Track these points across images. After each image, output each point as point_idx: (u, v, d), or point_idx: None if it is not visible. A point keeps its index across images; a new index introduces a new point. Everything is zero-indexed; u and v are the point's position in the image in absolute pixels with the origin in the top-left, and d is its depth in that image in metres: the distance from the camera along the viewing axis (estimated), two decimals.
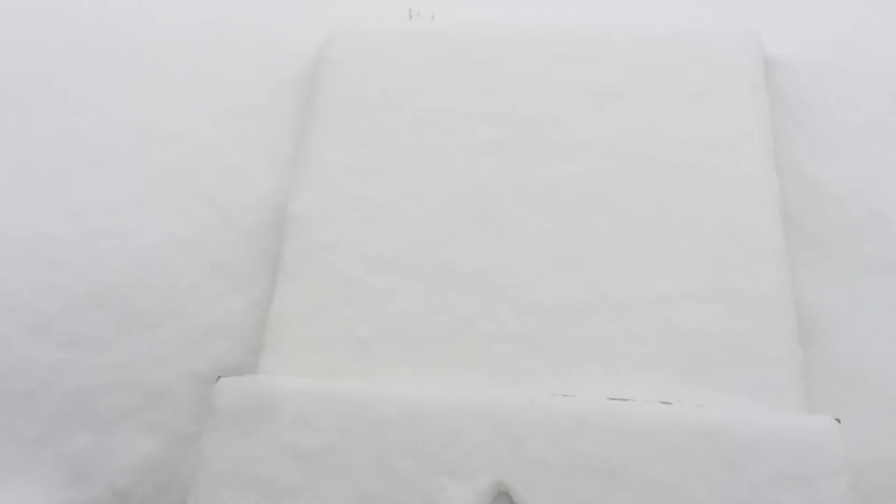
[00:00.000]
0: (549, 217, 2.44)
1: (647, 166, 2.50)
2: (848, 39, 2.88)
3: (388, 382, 2.15)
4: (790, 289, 2.31)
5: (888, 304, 2.36)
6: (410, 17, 2.96)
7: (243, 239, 2.56)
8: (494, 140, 2.58)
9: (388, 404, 2.01)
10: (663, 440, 1.94)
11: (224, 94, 2.85)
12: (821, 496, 1.87)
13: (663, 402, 2.03)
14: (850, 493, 1.88)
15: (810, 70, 2.77)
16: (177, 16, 3.04)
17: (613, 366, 2.19)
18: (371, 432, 1.97)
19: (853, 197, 2.53)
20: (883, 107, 2.70)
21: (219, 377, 2.13)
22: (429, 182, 2.52)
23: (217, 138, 2.75)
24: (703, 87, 2.63)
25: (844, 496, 1.87)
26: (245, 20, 3.02)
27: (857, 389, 2.24)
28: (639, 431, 1.95)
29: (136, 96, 2.85)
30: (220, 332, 2.42)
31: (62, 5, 3.11)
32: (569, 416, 1.97)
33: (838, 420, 1.99)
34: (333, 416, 2.00)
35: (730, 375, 2.15)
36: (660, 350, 2.19)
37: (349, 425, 1.99)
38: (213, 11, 3.06)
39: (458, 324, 2.29)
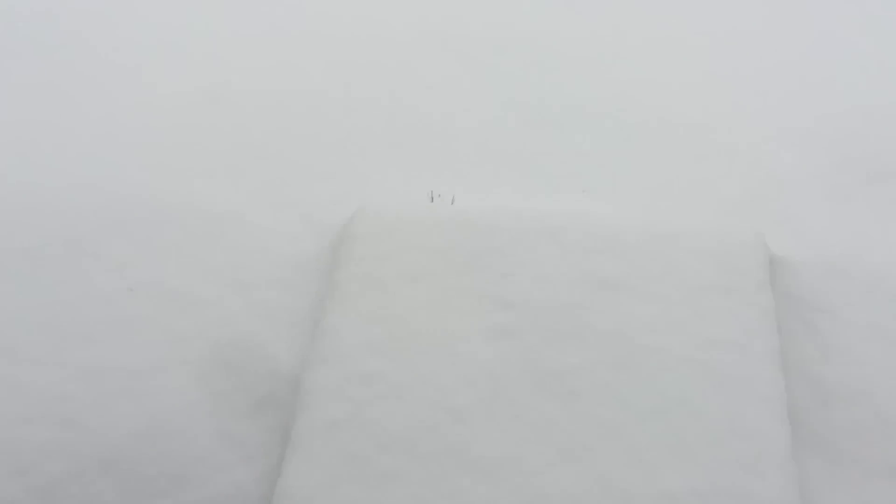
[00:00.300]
0: (558, 405, 2.47)
1: (655, 359, 2.55)
2: (850, 241, 3.00)
3: None
4: (797, 491, 2.31)
5: None
6: (432, 200, 3.11)
7: (256, 409, 2.60)
8: (507, 325, 2.65)
9: None
10: None
11: (248, 264, 2.96)
12: None
13: None
14: None
15: (814, 270, 2.87)
16: (208, 187, 3.19)
17: None
18: None
19: (859, 399, 2.56)
20: (886, 310, 2.77)
21: None
22: (442, 362, 2.58)
23: (238, 306, 2.84)
24: (710, 283, 2.72)
25: None
26: (274, 195, 3.18)
27: None
28: None
29: (164, 261, 2.96)
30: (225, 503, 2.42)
31: (97, 171, 3.27)
32: None
33: None
34: None
35: None
36: None
37: None
38: (244, 184, 3.22)
39: None
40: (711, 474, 2.31)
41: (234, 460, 2.50)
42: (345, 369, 2.57)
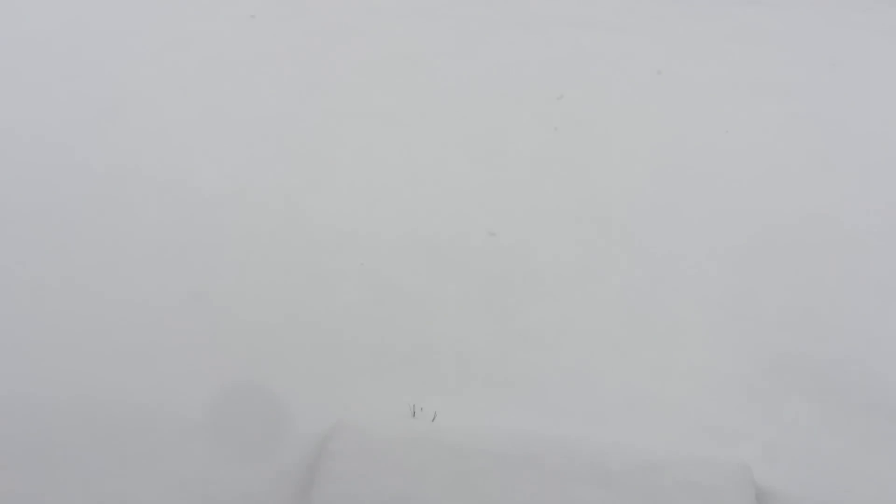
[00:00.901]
0: None
1: None
2: (839, 476, 2.93)
3: None
4: None
5: None
6: (413, 415, 3.06)
7: None
8: None
9: None
10: None
11: (219, 478, 2.86)
12: None
13: None
14: None
15: None
16: (184, 395, 3.13)
17: None
18: None
19: None
20: None
21: None
22: None
23: None
24: None
25: None
26: (250, 405, 3.13)
27: None
28: None
29: (133, 474, 2.86)
30: None
31: (72, 376, 3.21)
32: None
33: None
34: None
35: None
36: None
37: None
38: (220, 392, 3.16)
39: None
40: None
41: None
42: None
